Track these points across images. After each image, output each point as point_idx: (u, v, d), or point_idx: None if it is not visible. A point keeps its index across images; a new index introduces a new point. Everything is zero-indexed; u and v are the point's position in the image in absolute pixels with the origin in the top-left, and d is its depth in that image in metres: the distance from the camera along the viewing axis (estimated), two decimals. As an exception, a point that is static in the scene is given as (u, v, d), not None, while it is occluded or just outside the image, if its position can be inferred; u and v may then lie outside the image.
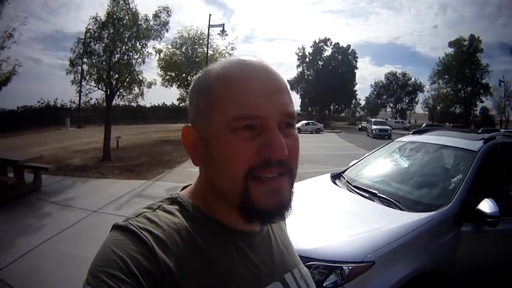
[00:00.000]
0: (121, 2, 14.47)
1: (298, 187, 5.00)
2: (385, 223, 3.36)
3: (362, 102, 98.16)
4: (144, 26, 14.89)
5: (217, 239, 0.86)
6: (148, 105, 57.85)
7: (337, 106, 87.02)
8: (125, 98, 16.05)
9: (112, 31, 14.26)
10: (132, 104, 16.48)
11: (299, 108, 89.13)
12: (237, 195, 0.80)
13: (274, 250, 0.99)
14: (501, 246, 3.79)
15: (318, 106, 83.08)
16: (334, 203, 4.21)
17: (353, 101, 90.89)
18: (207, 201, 0.90)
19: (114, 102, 15.63)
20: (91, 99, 16.29)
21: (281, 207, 0.82)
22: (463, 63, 65.94)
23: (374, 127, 43.94)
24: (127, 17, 14.50)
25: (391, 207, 3.73)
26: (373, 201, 3.95)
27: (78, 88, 14.92)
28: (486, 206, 3.39)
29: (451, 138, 4.82)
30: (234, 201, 0.81)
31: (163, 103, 60.28)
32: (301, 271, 1.03)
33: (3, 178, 8.51)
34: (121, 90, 15.38)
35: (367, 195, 4.10)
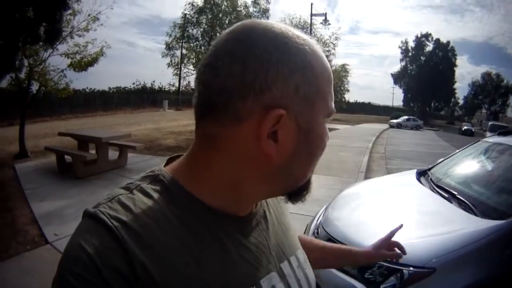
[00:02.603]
0: (218, -13, 14.56)
1: (383, 181, 4.96)
2: (456, 228, 3.12)
3: (461, 102, 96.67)
4: (244, 13, 14.86)
5: (206, 227, 0.74)
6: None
7: (437, 104, 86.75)
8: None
9: (210, 16, 14.37)
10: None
11: (401, 103, 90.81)
12: (305, 180, 0.79)
13: (271, 234, 0.89)
14: None
15: (420, 102, 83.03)
16: (413, 201, 4.02)
17: (452, 100, 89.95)
18: (198, 181, 0.75)
19: None
20: (189, 82, 16.53)
21: None
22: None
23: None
24: (225, 3, 14.57)
25: (467, 211, 3.41)
26: (451, 202, 3.65)
27: (175, 71, 15.19)
28: None
29: None
30: (295, 186, 0.79)
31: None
32: (299, 259, 0.95)
33: (84, 154, 8.68)
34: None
35: (446, 195, 3.80)
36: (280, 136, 0.70)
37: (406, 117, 52.76)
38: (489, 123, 26.18)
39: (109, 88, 43.12)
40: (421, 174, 4.80)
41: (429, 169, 4.97)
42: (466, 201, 3.51)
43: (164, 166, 0.83)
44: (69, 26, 11.43)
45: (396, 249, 1.59)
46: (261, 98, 0.67)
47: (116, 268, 0.61)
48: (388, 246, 1.57)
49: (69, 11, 11.08)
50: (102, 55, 11.92)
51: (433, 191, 4.05)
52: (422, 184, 4.40)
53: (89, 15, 11.74)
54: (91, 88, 39.67)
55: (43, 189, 7.36)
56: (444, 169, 4.83)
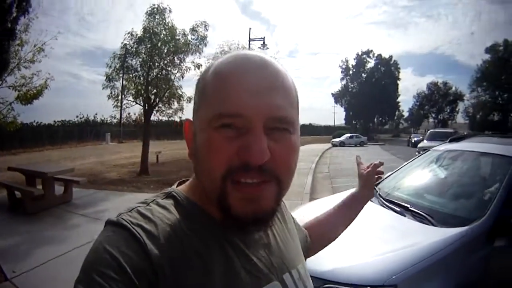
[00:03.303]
0: (157, 17, 14.61)
1: (328, 201, 4.68)
2: (414, 241, 3.04)
3: (406, 114, 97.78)
4: (182, 41, 14.92)
5: (213, 236, 0.81)
6: (192, 120, 59.97)
7: (380, 118, 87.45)
8: (164, 113, 16.12)
9: (149, 46, 14.40)
10: (174, 118, 16.50)
11: (343, 122, 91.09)
12: (215, 195, 0.76)
13: (273, 249, 0.93)
14: None
15: (362, 119, 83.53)
16: (363, 219, 3.70)
17: (397, 113, 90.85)
18: (201, 197, 0.84)
19: (156, 117, 15.95)
20: (133, 114, 16.48)
21: (257, 217, 0.76)
22: (500, 69, 65.46)
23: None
24: (164, 32, 14.63)
25: (423, 222, 3.39)
26: (404, 216, 3.61)
27: (115, 103, 15.06)
28: None
29: (490, 144, 4.45)
30: (213, 200, 0.78)
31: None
32: (300, 273, 0.98)
33: (31, 189, 8.56)
34: (160, 105, 15.47)
35: (398, 209, 3.76)
36: (192, 143, 0.84)
37: (349, 134, 53.10)
38: (429, 131, 26.73)
39: (54, 121, 42.49)
40: None
41: (376, 185, 4.77)
42: (421, 213, 3.50)
43: (177, 186, 0.93)
44: (17, 57, 11.30)
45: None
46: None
47: (139, 267, 0.67)
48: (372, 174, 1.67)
49: (17, 42, 10.95)
50: (46, 87, 11.80)
51: (383, 206, 4.02)
52: (371, 201, 4.21)
53: (35, 46, 11.62)
54: (38, 122, 39.31)
55: (-4, 226, 7.29)
56: (393, 183, 4.79)
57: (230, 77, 0.75)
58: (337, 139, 49.61)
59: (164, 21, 14.76)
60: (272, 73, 0.77)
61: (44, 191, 8.64)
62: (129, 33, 14.67)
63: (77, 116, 46.36)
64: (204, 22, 15.62)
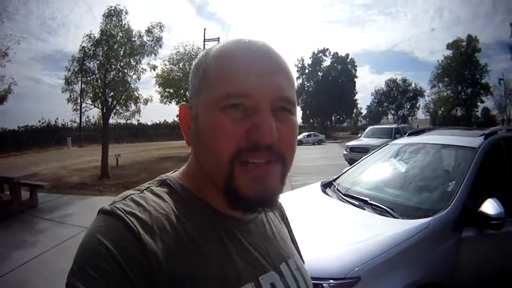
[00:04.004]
0: (114, 19, 14.53)
1: (285, 198, 4.47)
2: (375, 233, 3.02)
3: (364, 111, 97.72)
4: (138, 42, 14.91)
5: (209, 224, 0.82)
6: (149, 123, 58.82)
7: (338, 116, 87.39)
8: (122, 115, 16.06)
9: (106, 48, 14.33)
10: (132, 121, 16.44)
11: (300, 120, 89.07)
12: (222, 178, 0.76)
13: (269, 239, 0.95)
14: (509, 251, 3.44)
15: (320, 117, 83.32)
16: (321, 214, 3.86)
17: (355, 110, 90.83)
18: (198, 184, 0.86)
19: (115, 120, 15.75)
20: (92, 117, 16.40)
21: (265, 196, 0.77)
22: (462, 65, 65.94)
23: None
24: (120, 34, 14.57)
25: (384, 215, 3.39)
26: (364, 209, 3.61)
27: (74, 107, 14.97)
28: (489, 207, 3.09)
29: (450, 136, 4.58)
30: (219, 184, 0.78)
31: (165, 120, 60.77)
32: (297, 263, 0.99)
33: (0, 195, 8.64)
34: (117, 108, 15.40)
35: (357, 203, 3.77)
36: (190, 125, 0.85)
37: (307, 133, 52.88)
38: (368, 128, 24.84)
39: (18, 127, 42.46)
40: (326, 186, 4.73)
41: (334, 180, 4.90)
42: (381, 206, 3.50)
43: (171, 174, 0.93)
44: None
45: None
46: (189, 96, 0.88)
47: (133, 258, 0.66)
48: None
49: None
50: (10, 92, 11.77)
51: (342, 201, 4.00)
52: (329, 196, 4.33)
53: None
54: (3, 128, 39.70)
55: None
56: (351, 178, 4.77)
57: (236, 59, 0.76)
58: (295, 138, 49.34)
59: (121, 23, 14.70)
60: (275, 56, 0.80)
61: (12, 197, 8.69)
62: (87, 35, 14.52)
63: (39, 121, 45.75)
64: (159, 23, 15.69)
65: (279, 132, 0.75)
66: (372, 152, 5.49)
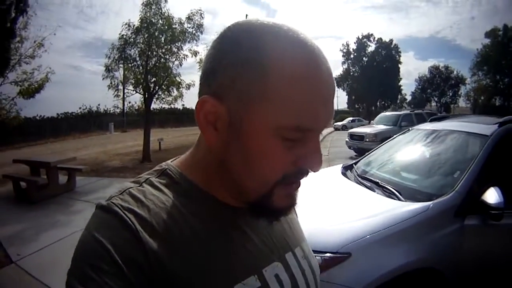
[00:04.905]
0: (153, 7, 14.74)
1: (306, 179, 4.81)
2: (374, 213, 3.12)
3: (408, 97, 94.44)
4: (179, 29, 15.07)
5: (213, 217, 0.79)
6: (194, 108, 59.64)
7: (383, 102, 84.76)
8: (164, 100, 16.32)
9: (146, 36, 14.55)
10: (177, 106, 16.54)
11: (346, 106, 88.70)
12: (258, 195, 0.73)
13: (276, 229, 0.91)
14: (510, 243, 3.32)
15: (365, 103, 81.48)
16: (334, 194, 4.01)
17: (399, 97, 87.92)
18: (208, 178, 0.80)
19: (158, 105, 15.79)
20: (135, 103, 16.67)
21: (291, 207, 0.79)
22: (500, 54, 63.64)
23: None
24: (160, 22, 14.78)
25: (391, 197, 3.45)
26: (374, 191, 3.70)
27: (115, 93, 15.25)
28: (491, 196, 3.04)
29: (467, 123, 4.49)
30: (250, 199, 0.74)
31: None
32: (304, 250, 0.96)
33: (36, 178, 8.98)
34: (159, 93, 15.64)
35: (369, 185, 3.88)
36: (218, 125, 0.72)
37: (351, 118, 52.04)
38: (380, 114, 23.50)
39: (57, 114, 42.94)
40: (347, 169, 4.87)
41: (355, 163, 5.06)
42: (390, 188, 3.57)
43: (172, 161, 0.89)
44: (17, 53, 11.69)
45: None
46: (209, 84, 0.72)
47: (131, 257, 0.64)
48: None
49: (17, 39, 11.35)
50: (47, 80, 12.08)
51: (357, 183, 4.09)
52: (348, 178, 4.43)
53: (34, 42, 11.91)
54: (41, 115, 39.81)
55: (3, 215, 7.66)
56: (370, 162, 4.93)
57: (311, 87, 0.67)
58: (340, 123, 48.67)
59: (160, 11, 14.87)
60: (332, 74, 0.72)
61: (48, 180, 9.00)
62: (126, 24, 14.79)
63: (80, 108, 46.54)
64: (199, 10, 15.74)
65: None
66: (394, 137, 5.55)
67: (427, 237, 2.95)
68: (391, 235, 2.85)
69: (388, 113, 22.47)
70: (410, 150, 4.84)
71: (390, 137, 5.89)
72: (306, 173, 0.74)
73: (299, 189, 0.78)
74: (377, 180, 3.88)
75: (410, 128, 5.45)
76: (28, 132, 31.74)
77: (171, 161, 0.88)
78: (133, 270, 0.64)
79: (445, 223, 3.07)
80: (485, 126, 4.00)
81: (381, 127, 17.94)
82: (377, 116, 22.22)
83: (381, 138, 10.57)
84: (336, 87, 0.74)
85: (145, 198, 0.74)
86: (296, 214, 1.09)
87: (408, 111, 21.41)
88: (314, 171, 0.73)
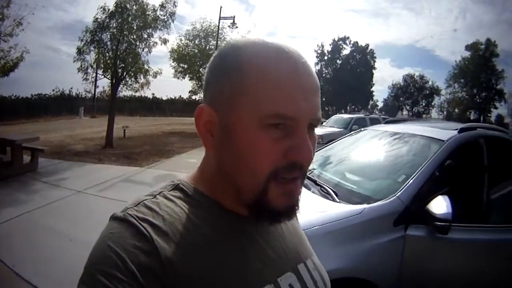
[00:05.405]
0: (129, -9, 14.69)
1: None
2: (303, 211, 2.62)
3: (381, 104, 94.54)
4: (152, 16, 15.15)
5: (225, 226, 0.81)
6: (164, 98, 58.61)
7: (353, 107, 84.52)
8: (131, 87, 16.43)
9: (119, 20, 14.58)
10: (147, 95, 16.64)
11: None
12: (254, 193, 0.76)
13: (287, 240, 0.93)
14: (461, 261, 3.07)
15: (335, 106, 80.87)
16: None
17: (371, 102, 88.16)
18: (215, 188, 0.84)
19: (130, 93, 15.79)
20: (104, 89, 16.71)
21: (291, 209, 0.80)
22: (479, 68, 64.45)
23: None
24: (135, 7, 14.80)
25: (326, 197, 3.22)
26: (309, 189, 3.46)
27: (84, 76, 15.23)
28: (437, 205, 2.80)
29: (425, 127, 4.23)
30: (247, 197, 0.77)
31: (180, 96, 60.25)
32: (315, 262, 0.98)
33: (1, 156, 9.09)
34: (127, 79, 15.71)
35: (306, 182, 3.17)
36: (214, 131, 0.79)
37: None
38: (333, 116, 23.38)
39: (32, 95, 42.46)
40: None
41: None
42: (326, 187, 3.36)
43: None
44: (-3, 31, 11.54)
45: None
46: (206, 94, 0.82)
47: (147, 266, 0.66)
48: None
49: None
50: (22, 59, 12.08)
51: None
52: None
53: (14, 20, 11.89)
54: (16, 95, 39.61)
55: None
56: (315, 160, 4.14)
57: (283, 76, 0.73)
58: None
59: (136, -4, 14.90)
60: (314, 73, 0.79)
61: (12, 159, 9.15)
62: (101, 7, 14.80)
63: (53, 90, 45.96)
64: (173, -2, 15.93)
65: None
66: (345, 136, 5.37)
67: (360, 245, 2.72)
68: (313, 237, 2.44)
69: (341, 116, 22.92)
70: (358, 150, 4.65)
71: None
72: (300, 168, 0.76)
73: (300, 190, 0.81)
74: (315, 179, 3.68)
75: (363, 129, 5.32)
76: (2, 111, 31.71)
77: (183, 177, 0.91)
78: (148, 278, 0.65)
79: (382, 231, 2.83)
80: (443, 131, 3.84)
81: (330, 129, 17.92)
82: (331, 118, 22.40)
83: (328, 140, 10.72)
84: (319, 87, 0.80)
85: (160, 209, 0.76)
86: (301, 229, 1.10)
87: (362, 115, 21.73)
88: (303, 163, 0.75)
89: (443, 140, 3.46)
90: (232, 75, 0.75)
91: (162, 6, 15.47)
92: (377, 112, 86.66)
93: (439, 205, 2.77)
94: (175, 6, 15.81)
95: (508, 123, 63.67)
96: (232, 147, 0.76)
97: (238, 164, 0.76)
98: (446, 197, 2.80)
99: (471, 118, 67.53)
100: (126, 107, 44.12)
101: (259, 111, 0.71)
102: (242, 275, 0.76)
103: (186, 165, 11.34)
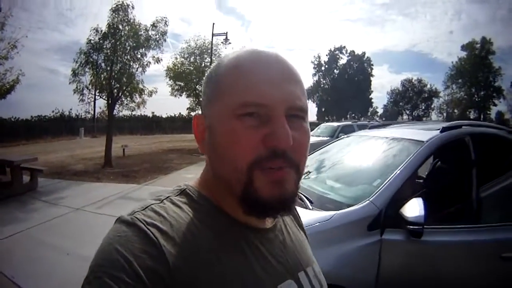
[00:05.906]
0: (121, 13, 15.00)
1: None
2: None
3: (380, 110, 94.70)
4: (144, 36, 15.39)
5: (229, 233, 0.82)
6: (164, 116, 58.57)
7: (353, 115, 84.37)
8: (127, 106, 16.59)
9: (112, 41, 14.82)
10: (147, 114, 16.80)
11: (315, 118, 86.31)
12: (240, 184, 0.77)
13: (288, 248, 0.95)
14: (439, 266, 2.98)
15: (335, 115, 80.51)
16: None
17: (370, 109, 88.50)
18: (215, 193, 0.86)
19: (129, 112, 15.80)
20: (102, 109, 16.85)
21: (282, 200, 0.78)
22: (476, 67, 64.53)
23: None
24: (127, 28, 15.04)
25: (301, 206, 3.13)
26: None
27: (80, 97, 15.44)
28: (410, 208, 2.76)
29: (409, 130, 4.14)
30: (235, 191, 0.78)
31: (179, 113, 60.14)
32: (315, 270, 1.00)
33: (0, 176, 9.40)
34: (123, 99, 15.91)
35: None
36: (205, 135, 0.85)
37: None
38: (321, 125, 23.04)
39: (31, 116, 42.20)
40: None
41: None
42: (301, 195, 3.22)
43: None
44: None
45: None
46: (201, 104, 0.90)
47: (153, 269, 0.66)
48: None
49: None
50: (18, 82, 12.32)
51: None
52: None
53: (8, 43, 12.14)
54: (15, 117, 39.42)
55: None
56: None
57: (251, 69, 0.78)
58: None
59: (127, 17, 15.17)
60: (288, 66, 0.81)
61: (12, 179, 9.38)
62: (94, 29, 15.05)
63: (52, 111, 46.03)
64: (164, 18, 16.15)
65: (293, 139, 0.75)
66: (327, 144, 5.28)
67: (329, 250, 2.68)
68: None
69: (329, 124, 22.61)
70: (339, 157, 4.57)
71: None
72: (283, 156, 0.75)
73: (292, 182, 0.79)
74: None
75: (345, 136, 5.26)
76: (2, 133, 31.81)
77: (190, 182, 0.93)
78: (154, 281, 0.65)
79: (355, 236, 2.79)
80: (426, 132, 3.72)
81: (316, 138, 17.81)
82: (319, 126, 22.25)
83: (312, 149, 10.72)
84: (296, 79, 0.82)
85: (167, 214, 0.77)
86: (306, 236, 1.16)
87: (350, 122, 21.65)
88: (282, 147, 0.74)
89: (422, 141, 3.38)
90: (212, 79, 0.84)
91: (153, 25, 15.69)
92: (377, 118, 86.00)
93: (412, 208, 2.73)
94: (167, 25, 16.06)
95: (509, 119, 63.62)
96: (215, 144, 0.80)
97: (221, 158, 0.79)
98: (420, 200, 2.78)
99: (471, 117, 67.39)
100: (126, 126, 44.31)
101: (232, 104, 0.76)
102: (243, 282, 0.77)
103: (184, 181, 11.35)
